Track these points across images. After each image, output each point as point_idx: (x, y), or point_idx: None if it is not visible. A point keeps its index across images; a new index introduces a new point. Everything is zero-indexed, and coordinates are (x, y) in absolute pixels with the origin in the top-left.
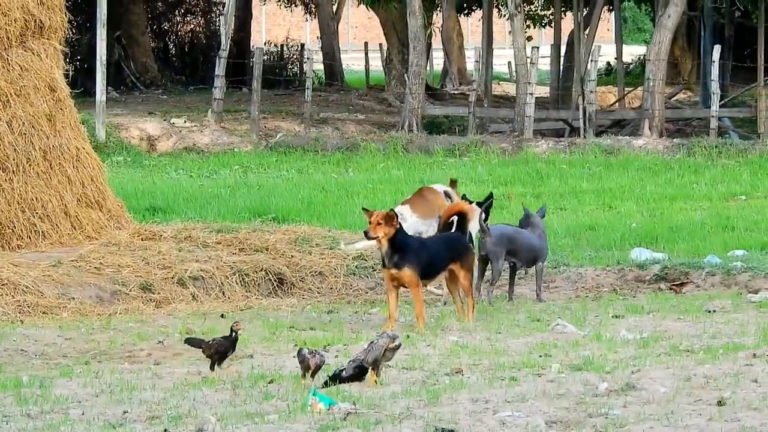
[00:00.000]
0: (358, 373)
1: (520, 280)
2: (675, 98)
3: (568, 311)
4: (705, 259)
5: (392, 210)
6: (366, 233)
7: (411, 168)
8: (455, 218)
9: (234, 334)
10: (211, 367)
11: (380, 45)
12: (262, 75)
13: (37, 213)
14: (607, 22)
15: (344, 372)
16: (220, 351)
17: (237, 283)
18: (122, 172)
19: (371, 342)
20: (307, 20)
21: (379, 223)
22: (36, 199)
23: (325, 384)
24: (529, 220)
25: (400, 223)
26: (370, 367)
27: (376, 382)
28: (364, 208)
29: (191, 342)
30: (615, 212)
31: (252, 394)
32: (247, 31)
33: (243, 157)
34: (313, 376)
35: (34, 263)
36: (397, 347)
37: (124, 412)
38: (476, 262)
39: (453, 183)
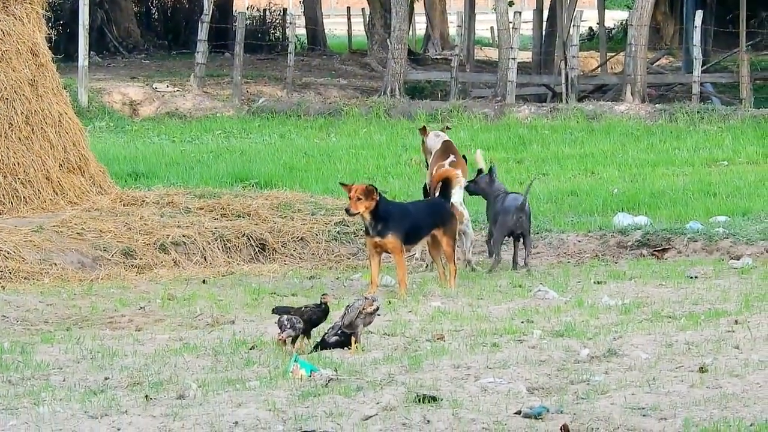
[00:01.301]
0: (344, 339)
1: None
2: (657, 63)
3: (549, 277)
4: (687, 225)
5: (371, 185)
6: (347, 210)
7: (393, 133)
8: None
9: (324, 305)
10: (293, 341)
11: (362, 10)
12: (245, 40)
13: (18, 178)
14: None
15: (327, 337)
16: (312, 319)
17: (219, 249)
18: (104, 137)
19: (347, 305)
20: None
21: (359, 198)
22: (18, 164)
23: (315, 348)
24: (493, 176)
25: (380, 194)
26: (351, 333)
27: (357, 348)
28: (341, 183)
29: (279, 311)
30: (597, 178)
31: (233, 360)
32: None
33: (225, 122)
34: (293, 343)
35: (16, 229)
36: (375, 310)
37: (106, 378)
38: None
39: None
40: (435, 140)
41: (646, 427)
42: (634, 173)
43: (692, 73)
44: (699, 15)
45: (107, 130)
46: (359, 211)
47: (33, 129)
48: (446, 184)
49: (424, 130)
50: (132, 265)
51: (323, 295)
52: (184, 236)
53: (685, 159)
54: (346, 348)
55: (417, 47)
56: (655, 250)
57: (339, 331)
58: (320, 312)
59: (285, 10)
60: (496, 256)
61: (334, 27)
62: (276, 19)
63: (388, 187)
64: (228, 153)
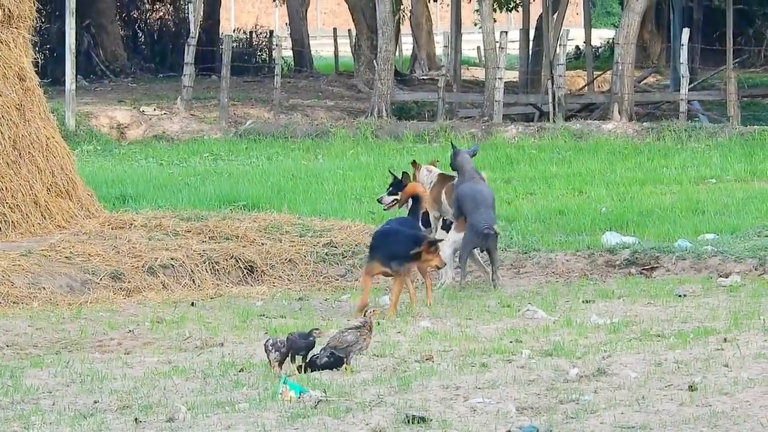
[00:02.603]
0: (334, 361)
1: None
2: (644, 82)
3: (538, 296)
4: (675, 243)
5: None
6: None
7: (380, 154)
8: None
9: (312, 339)
10: (281, 363)
11: (349, 31)
12: (231, 62)
13: (6, 203)
14: (575, 5)
15: (318, 359)
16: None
17: (207, 271)
18: (92, 161)
19: (341, 331)
20: (276, 6)
21: None
22: (5, 189)
23: (300, 369)
24: (457, 158)
25: None
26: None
27: (347, 369)
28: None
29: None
30: (585, 197)
31: (222, 382)
32: (215, 18)
33: (213, 145)
34: (280, 365)
35: (5, 253)
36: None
37: (95, 402)
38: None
39: (414, 164)
40: (428, 175)
41: None
42: (622, 192)
43: (679, 91)
44: (686, 33)
45: (95, 153)
46: None
47: (20, 153)
48: (416, 201)
49: (415, 165)
50: (121, 288)
51: (315, 329)
52: (172, 259)
53: (673, 177)
54: (336, 369)
55: (404, 68)
56: (643, 269)
57: (329, 353)
58: (302, 343)
59: (271, 32)
60: (462, 272)
61: (320, 48)
62: (262, 41)
63: (375, 209)
64: (215, 175)
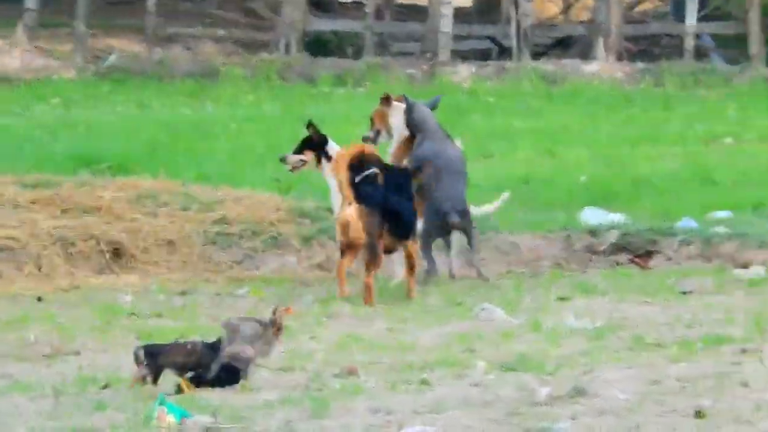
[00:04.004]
0: (227, 375)
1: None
2: (638, 8)
3: (496, 292)
4: (678, 223)
5: None
6: None
7: (289, 101)
8: None
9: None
10: (155, 378)
11: None
12: None
13: None
14: None
15: (207, 373)
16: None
17: (59, 256)
18: None
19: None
20: None
21: None
22: None
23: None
24: (414, 113)
25: None
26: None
27: (244, 385)
28: None
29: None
30: (559, 161)
31: (80, 403)
32: None
33: (65, 87)
34: (155, 381)
35: None
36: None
37: None
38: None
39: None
40: (403, 116)
41: None
42: (608, 155)
43: (684, 21)
44: None
45: None
46: None
47: None
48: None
49: (387, 101)
50: None
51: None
52: (11, 239)
53: (675, 135)
54: (230, 385)
55: None
56: (636, 257)
57: (221, 364)
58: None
59: None
60: (429, 262)
61: None
62: None
63: (281, 176)
64: (69, 128)
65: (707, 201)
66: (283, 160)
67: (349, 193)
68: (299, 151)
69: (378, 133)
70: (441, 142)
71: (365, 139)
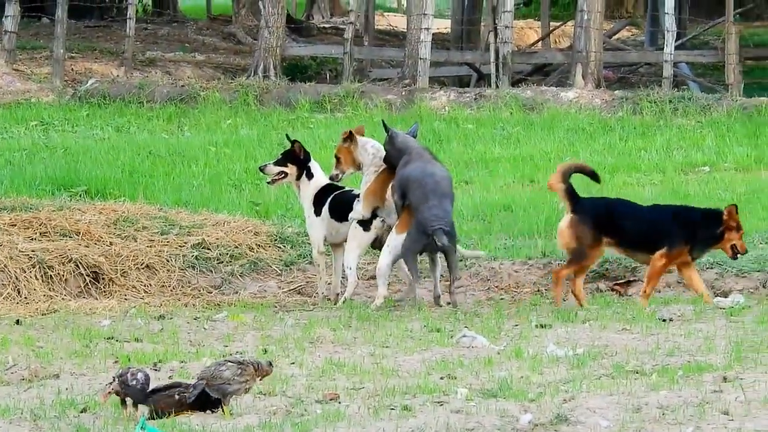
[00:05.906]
0: (207, 401)
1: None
2: (616, 37)
3: (477, 319)
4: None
5: None
6: None
7: (266, 126)
8: None
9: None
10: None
11: None
12: (69, 1)
13: None
14: None
15: (187, 398)
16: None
17: (37, 279)
18: None
19: (218, 363)
20: None
21: None
22: None
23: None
24: (396, 142)
25: None
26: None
27: (225, 411)
28: None
29: None
30: (538, 188)
31: (59, 426)
32: None
33: (43, 110)
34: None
35: None
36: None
37: None
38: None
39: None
40: (373, 153)
41: None
42: (588, 182)
43: (663, 49)
44: None
45: None
46: None
47: None
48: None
49: (350, 137)
50: None
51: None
52: None
53: (653, 163)
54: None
55: (298, 13)
56: (616, 284)
57: (201, 390)
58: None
59: None
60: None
61: None
62: None
63: (261, 199)
64: (47, 151)
65: None
66: (262, 169)
67: None
68: (281, 163)
69: (342, 172)
70: (428, 163)
71: (332, 179)
